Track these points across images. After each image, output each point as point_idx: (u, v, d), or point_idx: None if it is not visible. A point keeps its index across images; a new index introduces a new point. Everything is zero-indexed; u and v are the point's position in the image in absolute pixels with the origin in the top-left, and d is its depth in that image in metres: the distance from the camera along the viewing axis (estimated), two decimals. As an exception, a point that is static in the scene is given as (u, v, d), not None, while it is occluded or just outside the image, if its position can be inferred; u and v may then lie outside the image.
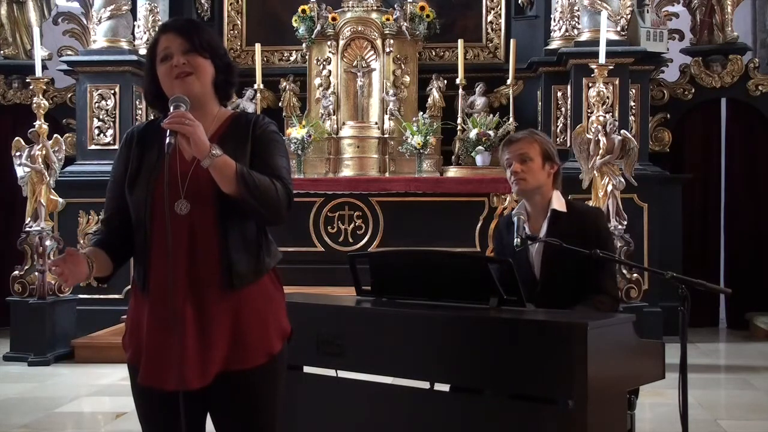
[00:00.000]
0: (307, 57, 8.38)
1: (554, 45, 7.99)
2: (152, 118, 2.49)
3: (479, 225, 7.64)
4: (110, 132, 7.91)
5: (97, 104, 7.92)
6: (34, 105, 6.92)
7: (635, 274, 6.52)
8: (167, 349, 2.26)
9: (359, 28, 8.16)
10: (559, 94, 7.98)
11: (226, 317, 2.30)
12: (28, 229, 6.90)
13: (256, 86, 8.18)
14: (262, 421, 2.37)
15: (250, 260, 2.34)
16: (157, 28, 8.28)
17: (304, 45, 8.33)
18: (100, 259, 2.36)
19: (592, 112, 6.72)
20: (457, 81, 7.99)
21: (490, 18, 8.58)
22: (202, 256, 2.29)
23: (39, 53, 7.19)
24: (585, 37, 7.66)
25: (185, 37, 2.34)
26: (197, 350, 2.27)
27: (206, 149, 2.20)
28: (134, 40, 8.22)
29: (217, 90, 2.40)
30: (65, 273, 2.24)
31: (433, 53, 8.58)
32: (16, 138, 7.00)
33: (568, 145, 7.42)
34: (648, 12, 7.92)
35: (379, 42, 8.13)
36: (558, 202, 3.38)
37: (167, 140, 2.20)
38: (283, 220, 2.35)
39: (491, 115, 8.03)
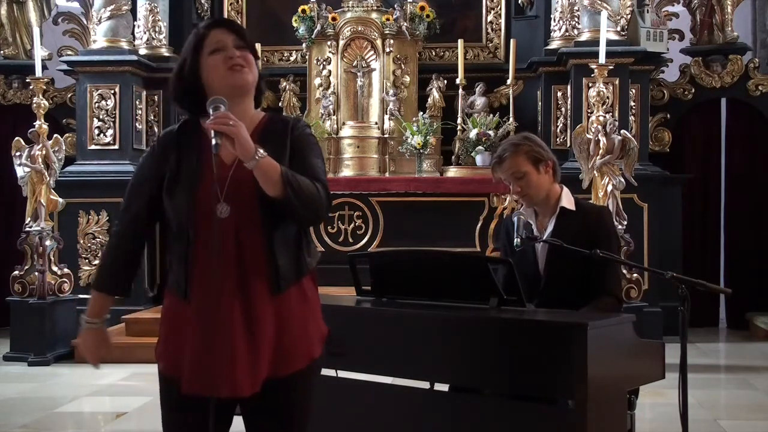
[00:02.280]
0: (307, 57, 8.38)
1: (554, 45, 7.99)
2: (182, 120, 2.44)
3: (479, 225, 7.64)
4: (110, 132, 7.91)
5: (97, 104, 7.91)
6: (34, 105, 6.92)
7: (635, 274, 6.52)
8: (216, 357, 2.23)
9: (359, 28, 8.16)
10: (559, 94, 7.97)
11: (271, 321, 2.28)
12: (28, 229, 6.90)
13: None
14: (296, 423, 2.35)
15: (292, 262, 2.32)
16: (158, 28, 8.32)
17: (304, 45, 8.33)
18: (108, 304, 2.44)
19: (592, 112, 6.72)
20: (457, 81, 7.99)
21: (490, 18, 8.58)
22: (250, 260, 2.27)
23: (39, 53, 7.19)
24: (585, 37, 7.66)
25: (237, 35, 2.37)
26: (248, 356, 2.24)
27: (252, 150, 2.17)
28: (134, 40, 8.22)
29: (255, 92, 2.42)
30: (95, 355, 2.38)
31: (433, 53, 8.58)
32: (16, 138, 7.00)
33: (568, 145, 7.43)
34: (648, 12, 7.92)
35: (379, 42, 8.13)
36: (567, 200, 3.40)
37: (213, 141, 2.18)
38: (322, 221, 2.38)
39: (491, 115, 8.03)
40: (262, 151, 2.19)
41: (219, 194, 2.26)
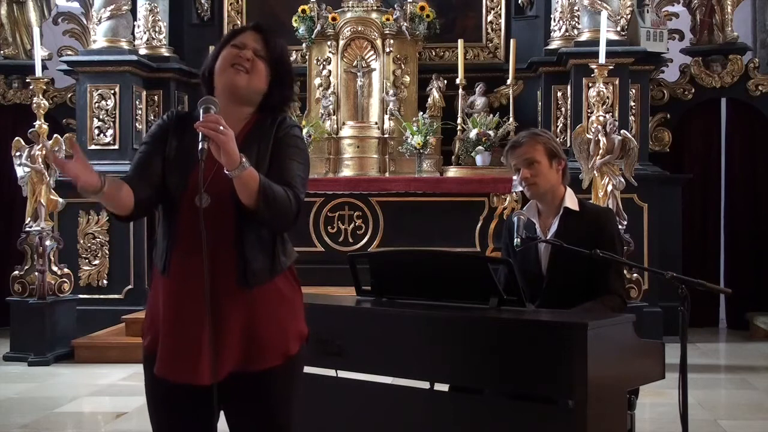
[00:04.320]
0: (307, 57, 8.38)
1: (554, 45, 7.98)
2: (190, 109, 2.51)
3: (479, 225, 7.64)
4: (110, 132, 7.90)
5: (97, 104, 7.91)
6: (34, 105, 6.91)
7: (635, 274, 6.52)
8: (181, 343, 2.27)
9: (359, 28, 8.16)
10: (559, 94, 7.97)
11: (240, 315, 2.30)
12: (28, 229, 6.90)
13: (256, 86, 8.16)
14: (277, 423, 2.37)
15: (265, 259, 2.34)
16: (158, 28, 8.32)
17: (304, 45, 8.32)
18: (116, 185, 2.27)
19: (592, 112, 6.71)
20: (457, 81, 7.99)
21: (490, 18, 8.58)
22: (221, 253, 2.29)
23: (39, 53, 7.18)
24: (585, 37, 7.65)
25: (265, 43, 2.39)
26: (210, 346, 2.26)
27: (236, 161, 2.18)
28: (134, 40, 8.22)
29: (264, 103, 2.41)
30: (74, 170, 2.16)
31: (433, 53, 8.58)
32: (16, 138, 7.00)
33: (568, 145, 7.41)
34: (648, 12, 7.92)
35: (379, 42, 8.13)
36: (571, 201, 3.41)
37: (200, 145, 2.19)
38: (289, 230, 2.39)
39: (491, 115, 8.03)
40: (246, 161, 2.19)
41: (202, 184, 2.26)
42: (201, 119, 2.20)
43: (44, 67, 7.81)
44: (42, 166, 6.83)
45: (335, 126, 8.11)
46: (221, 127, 2.17)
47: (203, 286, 2.25)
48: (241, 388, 2.31)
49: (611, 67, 6.68)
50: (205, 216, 2.25)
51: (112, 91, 7.92)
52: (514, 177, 3.44)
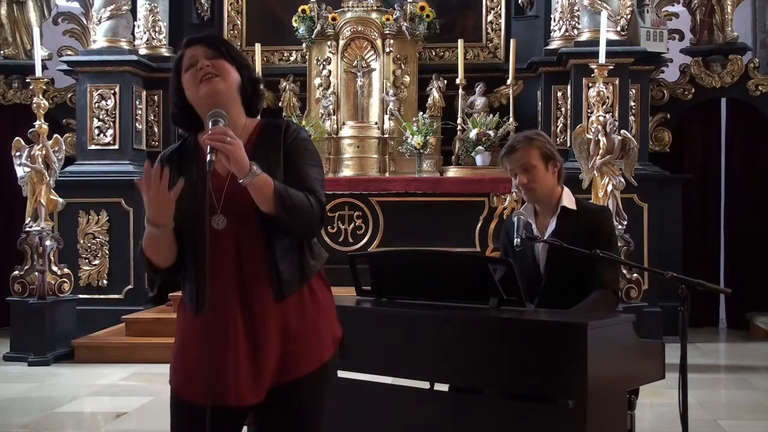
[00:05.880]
0: (307, 57, 8.38)
1: (554, 45, 7.98)
2: (182, 139, 2.48)
3: (479, 225, 7.64)
4: (110, 132, 7.90)
5: (97, 104, 7.91)
6: (34, 105, 6.91)
7: (635, 274, 6.52)
8: (220, 367, 2.24)
9: (359, 28, 8.16)
10: (559, 94, 7.97)
11: (276, 328, 2.29)
12: (28, 229, 6.89)
13: (256, 86, 8.16)
14: (307, 425, 2.36)
15: (295, 267, 2.33)
16: (158, 28, 8.33)
17: (304, 45, 8.33)
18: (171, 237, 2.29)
19: (592, 112, 6.71)
20: (457, 81, 7.99)
21: (490, 18, 8.58)
22: (250, 269, 2.28)
23: (39, 53, 7.18)
24: (585, 37, 7.65)
25: (210, 46, 2.37)
26: (250, 367, 2.26)
27: (246, 168, 2.18)
28: (134, 40, 8.22)
29: (243, 99, 2.39)
30: (153, 191, 2.18)
31: (433, 53, 8.58)
32: (16, 138, 6.99)
33: (568, 145, 7.42)
34: (648, 12, 7.92)
35: (379, 42, 8.13)
36: (568, 200, 3.42)
37: (208, 158, 2.18)
38: (316, 234, 2.40)
39: (491, 115, 8.03)
40: (256, 168, 2.20)
41: (216, 206, 2.27)
42: (208, 132, 2.21)
43: (44, 67, 7.81)
44: (42, 166, 6.83)
45: (335, 126, 8.11)
46: (228, 138, 2.18)
47: (236, 311, 2.25)
48: (275, 398, 2.30)
49: (611, 67, 6.68)
50: (229, 237, 2.26)
51: (112, 91, 7.92)
52: (513, 181, 3.45)
